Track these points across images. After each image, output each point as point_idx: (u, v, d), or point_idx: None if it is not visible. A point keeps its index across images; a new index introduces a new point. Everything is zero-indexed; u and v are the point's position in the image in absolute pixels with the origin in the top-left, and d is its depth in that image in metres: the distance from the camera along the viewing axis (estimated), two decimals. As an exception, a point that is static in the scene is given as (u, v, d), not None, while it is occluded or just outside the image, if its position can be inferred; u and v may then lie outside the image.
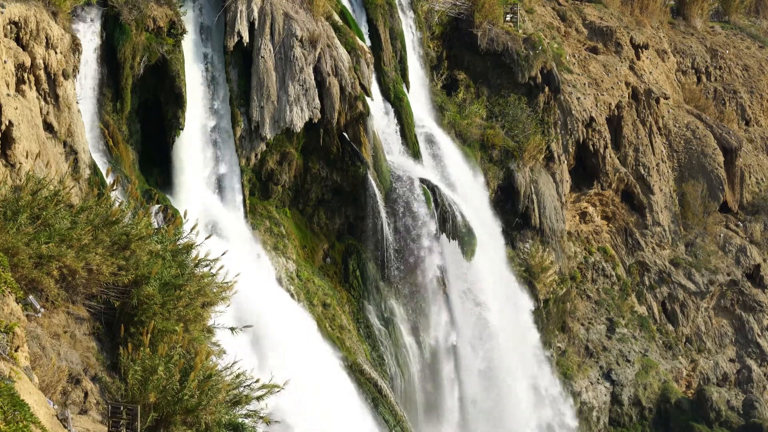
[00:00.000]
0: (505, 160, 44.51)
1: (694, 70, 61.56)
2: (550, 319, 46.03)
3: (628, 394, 47.89)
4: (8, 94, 24.35)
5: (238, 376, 19.03)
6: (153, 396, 17.11)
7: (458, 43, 46.73)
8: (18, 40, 26.09)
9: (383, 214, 37.48)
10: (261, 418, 19.14)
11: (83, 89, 30.34)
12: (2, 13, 25.20)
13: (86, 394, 17.54)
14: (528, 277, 44.46)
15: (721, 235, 54.90)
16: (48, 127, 27.15)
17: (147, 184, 32.33)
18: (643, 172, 52.47)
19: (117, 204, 20.61)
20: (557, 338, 46.84)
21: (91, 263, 18.64)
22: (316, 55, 35.72)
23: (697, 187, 54.57)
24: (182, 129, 32.82)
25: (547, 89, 46.93)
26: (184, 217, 25.01)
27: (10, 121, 23.94)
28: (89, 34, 30.69)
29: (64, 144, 27.78)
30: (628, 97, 52.67)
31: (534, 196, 45.12)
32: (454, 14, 46.51)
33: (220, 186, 34.67)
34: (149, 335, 18.00)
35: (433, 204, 38.59)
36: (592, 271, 50.43)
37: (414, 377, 38.35)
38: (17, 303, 16.15)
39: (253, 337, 28.72)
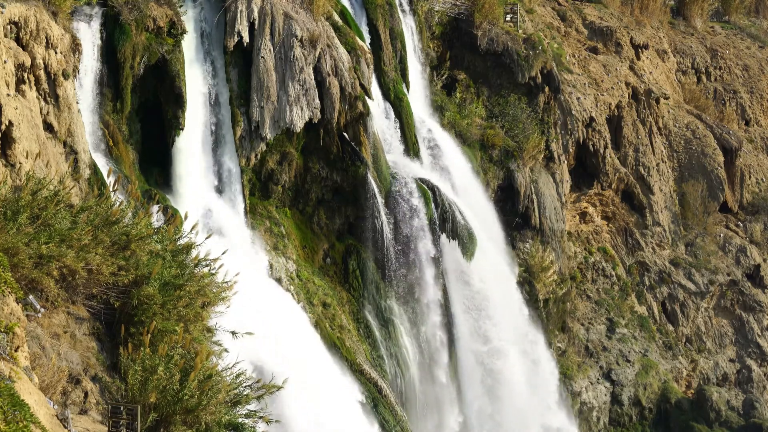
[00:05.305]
0: (505, 160, 44.50)
1: (694, 70, 61.53)
2: (550, 319, 46.00)
3: (628, 394, 47.87)
4: (8, 94, 24.35)
5: (238, 376, 19.04)
6: (153, 396, 17.12)
7: (458, 43, 46.73)
8: (18, 40, 26.10)
9: (383, 214, 37.46)
10: (261, 417, 19.15)
11: (83, 89, 30.36)
12: (2, 13, 25.20)
13: (86, 394, 17.55)
14: (528, 277, 44.44)
15: (721, 235, 54.88)
16: (48, 127, 27.16)
17: (147, 184, 32.33)
18: (643, 172, 52.46)
19: (117, 204, 20.61)
20: (557, 338, 46.82)
21: (91, 263, 18.63)
22: (316, 55, 35.73)
23: (697, 187, 54.55)
24: (182, 129, 32.83)
25: (547, 89, 46.91)
26: (184, 218, 25.02)
27: (10, 121, 23.94)
28: (89, 34, 30.70)
29: (64, 144, 27.79)
30: (628, 97, 52.65)
31: (534, 196, 45.11)
32: (454, 14, 46.50)
33: (220, 186, 34.68)
34: (149, 335, 18.01)
35: (432, 204, 38.59)
36: (592, 271, 50.42)
37: (414, 377, 38.34)
38: (17, 303, 16.14)
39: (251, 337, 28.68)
